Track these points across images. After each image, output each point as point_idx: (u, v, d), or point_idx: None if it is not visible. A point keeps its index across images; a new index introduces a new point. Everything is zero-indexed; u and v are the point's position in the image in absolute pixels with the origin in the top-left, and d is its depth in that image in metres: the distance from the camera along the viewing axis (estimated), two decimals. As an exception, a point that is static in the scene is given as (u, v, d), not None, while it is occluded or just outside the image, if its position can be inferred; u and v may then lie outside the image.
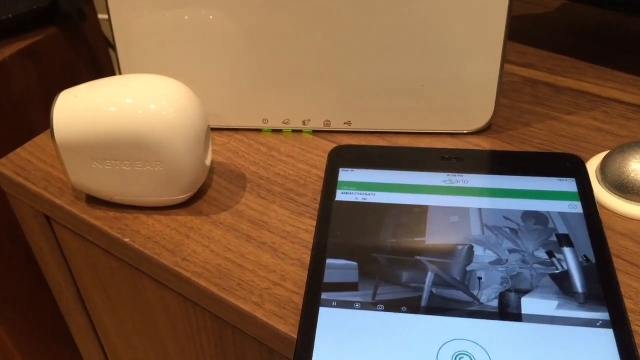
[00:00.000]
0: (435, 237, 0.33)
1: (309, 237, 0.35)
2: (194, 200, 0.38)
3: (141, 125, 0.33)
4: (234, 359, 0.38)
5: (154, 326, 0.43)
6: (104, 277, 0.43)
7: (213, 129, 0.43)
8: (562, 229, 0.33)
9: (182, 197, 0.37)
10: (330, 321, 0.29)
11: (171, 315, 0.40)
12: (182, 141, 0.34)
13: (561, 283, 0.30)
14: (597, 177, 0.37)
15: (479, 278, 0.31)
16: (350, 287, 0.31)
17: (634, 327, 0.29)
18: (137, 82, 0.35)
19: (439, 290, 0.30)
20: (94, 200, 0.38)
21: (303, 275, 0.33)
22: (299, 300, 0.32)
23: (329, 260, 0.32)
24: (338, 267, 0.32)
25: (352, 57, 0.40)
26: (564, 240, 0.32)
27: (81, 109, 0.34)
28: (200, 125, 0.35)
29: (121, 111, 0.34)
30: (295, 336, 0.30)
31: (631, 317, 0.30)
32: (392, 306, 0.30)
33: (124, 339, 0.48)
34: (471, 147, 0.41)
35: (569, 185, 0.35)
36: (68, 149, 0.35)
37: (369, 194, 0.36)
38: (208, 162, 0.37)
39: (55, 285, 0.50)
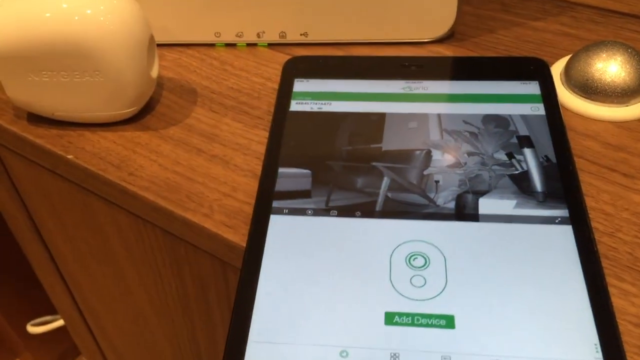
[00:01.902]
0: (392, 143, 0.32)
1: (262, 149, 0.33)
2: (142, 116, 0.36)
3: (77, 32, 0.31)
4: (190, 276, 0.37)
5: (109, 250, 0.41)
6: (55, 201, 0.41)
7: (163, 45, 0.41)
8: (523, 131, 0.31)
9: (128, 111, 0.35)
10: (282, 228, 0.28)
11: (124, 236, 0.38)
12: (121, 49, 0.32)
13: (520, 183, 0.29)
14: (561, 79, 0.36)
15: (437, 181, 0.30)
16: (303, 194, 0.30)
17: (594, 224, 0.28)
18: (72, -13, 0.33)
19: (395, 194, 0.29)
20: (35, 119, 0.36)
21: (255, 186, 0.31)
22: (250, 210, 0.30)
23: (281, 169, 0.31)
24: (291, 176, 0.30)
25: (306, -39, 0.37)
26: (525, 141, 0.31)
27: (13, 17, 0.32)
28: (141, 32, 0.33)
29: (57, 17, 0.31)
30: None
31: (592, 214, 0.29)
32: (346, 211, 0.29)
33: (82, 266, 0.47)
34: (433, 55, 0.39)
35: (532, 88, 0.34)
36: (2, 60, 0.32)
37: (324, 104, 0.34)
38: (154, 74, 0.35)
39: (8, 215, 0.48)
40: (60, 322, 0.84)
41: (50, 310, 0.76)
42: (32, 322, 0.89)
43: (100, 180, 0.33)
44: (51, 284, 0.54)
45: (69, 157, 0.34)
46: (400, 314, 0.25)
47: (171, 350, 0.48)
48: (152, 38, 0.35)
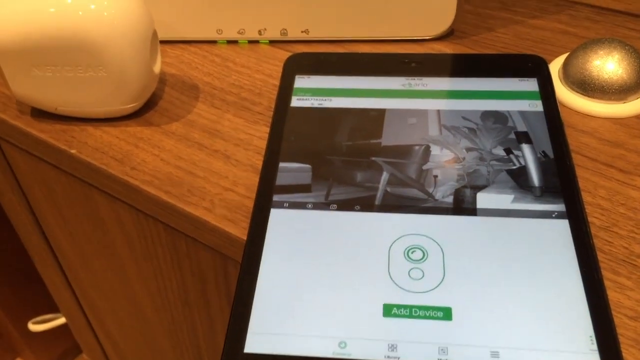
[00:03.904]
0: (391, 138, 0.32)
1: (263, 144, 0.34)
2: (144, 111, 0.36)
3: (81, 26, 0.32)
4: (190, 271, 0.37)
5: (110, 244, 0.42)
6: (57, 195, 0.41)
7: (166, 42, 0.41)
8: (521, 127, 0.32)
9: (130, 106, 0.35)
10: (282, 222, 0.28)
11: (125, 230, 0.39)
12: (124, 44, 0.32)
13: (518, 178, 0.29)
14: (559, 76, 0.36)
15: (435, 176, 0.30)
16: (303, 188, 0.30)
17: (591, 219, 0.29)
18: (76, -17, 0.33)
19: (394, 189, 0.30)
20: (39, 113, 0.36)
21: (256, 180, 0.31)
22: (251, 204, 0.31)
23: (281, 164, 0.31)
24: (291, 170, 0.31)
25: (307, -41, 0.38)
26: (523, 137, 0.31)
27: (19, 11, 0.32)
28: (145, 28, 0.33)
29: (61, 12, 0.32)
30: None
31: (589, 209, 0.29)
32: (345, 205, 0.29)
33: (83, 261, 0.47)
34: (433, 52, 0.39)
35: (530, 85, 0.34)
36: (6, 55, 0.33)
37: (325, 100, 0.35)
38: (157, 70, 0.36)
39: (10, 210, 0.48)
40: (61, 320, 0.84)
41: (52, 308, 0.76)
42: (33, 320, 0.90)
43: (102, 174, 0.34)
44: (52, 279, 0.54)
45: (72, 151, 0.34)
46: (399, 306, 0.25)
47: (171, 344, 0.48)
48: (155, 34, 0.35)
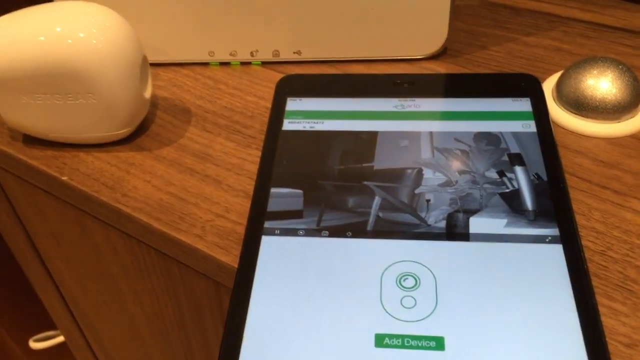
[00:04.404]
0: (384, 162, 0.32)
1: (255, 169, 0.34)
2: (136, 136, 0.36)
3: (70, 55, 0.32)
4: (185, 296, 0.37)
5: (105, 269, 0.41)
6: (51, 221, 0.41)
7: (158, 65, 0.41)
8: (514, 149, 0.31)
9: (121, 132, 0.35)
10: (273, 249, 0.28)
11: (119, 256, 0.38)
12: (114, 71, 0.32)
13: (511, 202, 0.29)
14: (553, 96, 0.36)
15: (428, 200, 0.30)
16: (295, 214, 0.30)
17: (585, 243, 0.28)
18: (66, 10, 0.33)
19: (386, 214, 0.29)
20: (31, 140, 0.36)
21: (247, 206, 0.31)
22: (242, 231, 0.30)
23: (273, 189, 0.31)
24: (282, 196, 0.31)
25: (298, -20, 0.38)
26: (516, 159, 0.31)
27: (7, 40, 0.32)
28: (134, 54, 0.33)
29: (50, 40, 0.32)
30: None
31: (583, 232, 0.29)
32: (337, 231, 0.29)
33: (80, 285, 0.47)
34: (426, 72, 0.39)
35: (523, 105, 0.34)
36: (-5, 83, 0.33)
37: (317, 123, 0.34)
38: (147, 95, 0.35)
39: (7, 234, 0.48)
40: (62, 338, 0.84)
41: (53, 325, 0.76)
42: (35, 337, 0.89)
43: (94, 201, 0.33)
44: (50, 301, 0.54)
45: (64, 178, 0.34)
46: (391, 336, 0.25)
47: (168, 367, 0.48)
48: (145, 59, 0.35)
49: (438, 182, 0.31)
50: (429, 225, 0.29)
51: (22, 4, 0.35)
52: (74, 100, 0.33)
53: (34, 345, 0.89)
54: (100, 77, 0.32)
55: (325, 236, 0.29)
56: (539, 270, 0.26)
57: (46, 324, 0.86)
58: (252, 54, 0.41)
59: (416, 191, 0.30)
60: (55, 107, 0.33)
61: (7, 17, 0.33)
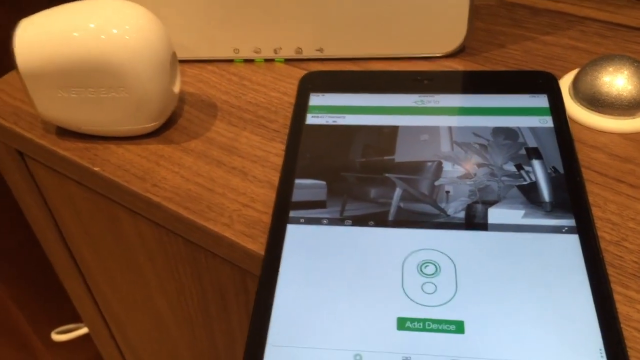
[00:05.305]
0: (404, 155, 0.33)
1: (279, 161, 0.35)
2: (165, 130, 0.37)
3: (103, 50, 0.33)
4: (210, 284, 0.38)
5: (133, 259, 0.43)
6: (81, 212, 0.43)
7: (184, 62, 0.43)
8: (531, 143, 0.32)
9: (151, 125, 0.36)
10: (298, 237, 0.29)
11: (147, 245, 0.40)
12: (145, 66, 0.34)
13: (528, 193, 0.30)
14: (570, 93, 0.37)
15: (447, 192, 0.31)
16: (319, 205, 0.31)
17: (601, 234, 0.29)
18: (100, 7, 0.35)
19: (407, 204, 0.30)
20: (63, 132, 0.38)
21: (273, 196, 0.32)
22: (268, 220, 0.32)
23: (297, 180, 0.32)
24: (306, 187, 0.32)
25: (321, -20, 0.39)
26: (533, 153, 0.32)
27: (43, 36, 0.34)
28: (164, 50, 0.35)
29: (84, 36, 0.33)
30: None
31: (599, 224, 0.30)
32: (360, 221, 0.30)
33: (107, 275, 0.48)
34: (444, 69, 0.40)
35: (540, 101, 0.35)
36: (32, 78, 0.34)
37: (339, 117, 0.36)
38: (176, 89, 0.37)
39: (36, 225, 0.50)
40: (84, 330, 0.86)
41: (75, 317, 0.77)
42: (57, 330, 0.91)
43: (124, 191, 0.35)
44: (76, 292, 0.55)
45: (95, 169, 0.35)
46: (412, 320, 0.26)
47: (191, 355, 0.49)
48: (174, 55, 0.36)
49: (457, 174, 0.32)
50: (449, 216, 0.30)
51: (52, 2, 0.36)
52: (106, 94, 0.34)
53: (56, 337, 0.90)
54: (131, 72, 0.33)
55: (348, 225, 0.30)
56: (556, 258, 0.27)
57: (68, 317, 0.88)
58: (275, 52, 0.42)
59: (436, 183, 0.31)
60: (89, 101, 0.35)
61: (42, 14, 0.35)
